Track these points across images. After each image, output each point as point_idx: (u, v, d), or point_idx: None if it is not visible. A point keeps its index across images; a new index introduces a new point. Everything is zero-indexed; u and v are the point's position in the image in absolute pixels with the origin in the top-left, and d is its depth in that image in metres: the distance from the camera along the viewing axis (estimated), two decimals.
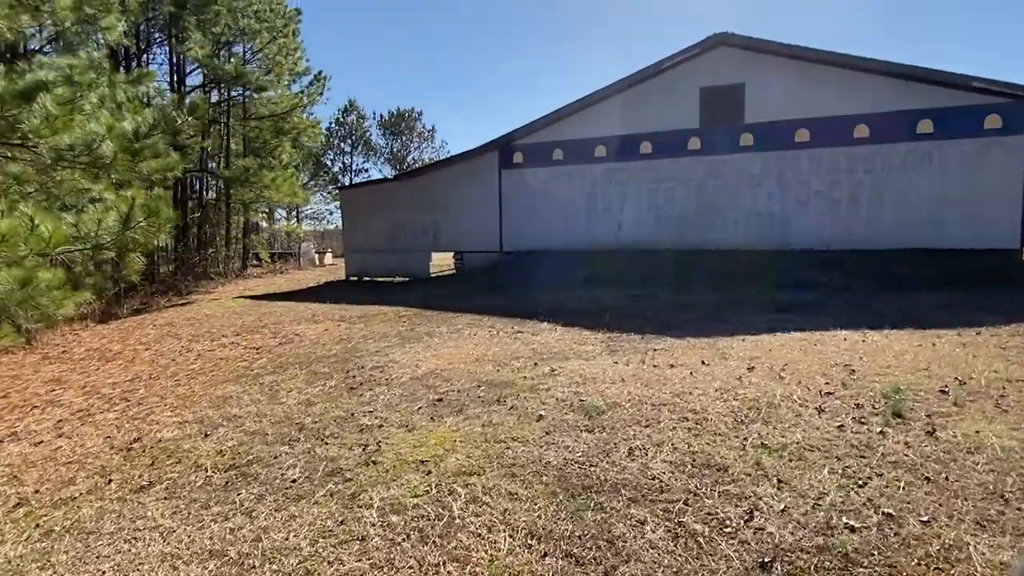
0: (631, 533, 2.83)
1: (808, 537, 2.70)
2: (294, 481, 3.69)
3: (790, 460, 3.47)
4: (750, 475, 3.31)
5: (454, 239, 16.81)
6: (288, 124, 23.69)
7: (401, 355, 6.94)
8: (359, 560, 2.76)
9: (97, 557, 3.02)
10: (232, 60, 19.12)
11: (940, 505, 2.89)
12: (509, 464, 3.64)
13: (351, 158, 44.70)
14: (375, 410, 4.95)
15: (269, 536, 3.04)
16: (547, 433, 4.10)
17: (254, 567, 2.78)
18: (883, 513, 2.85)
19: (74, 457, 4.65)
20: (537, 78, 77.64)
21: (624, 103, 14.64)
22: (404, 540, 2.89)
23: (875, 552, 2.56)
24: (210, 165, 23.63)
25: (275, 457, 4.13)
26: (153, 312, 13.81)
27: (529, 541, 2.81)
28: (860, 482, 3.16)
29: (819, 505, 2.96)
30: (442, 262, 19.85)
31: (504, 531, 2.91)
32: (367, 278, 17.74)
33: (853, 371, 5.14)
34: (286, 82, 23.24)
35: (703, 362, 5.73)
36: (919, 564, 2.48)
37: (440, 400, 5.06)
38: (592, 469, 3.51)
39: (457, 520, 3.03)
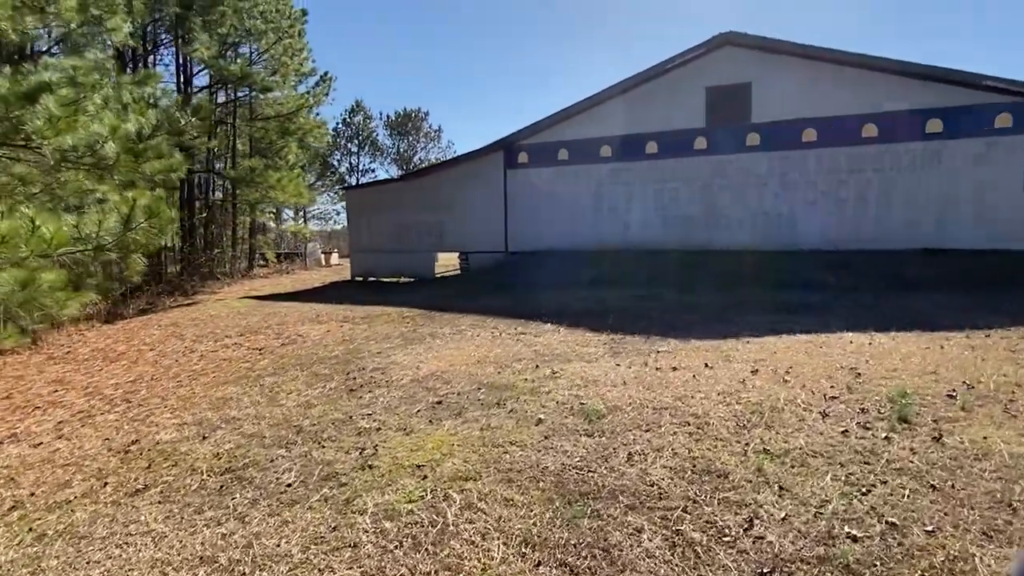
0: (627, 541, 2.77)
1: (809, 547, 2.64)
2: (289, 485, 3.65)
3: (792, 466, 3.40)
4: (751, 482, 3.24)
5: (459, 239, 16.78)
6: (294, 124, 23.74)
7: (403, 356, 6.90)
8: (350, 568, 2.72)
9: (87, 563, 2.99)
10: (238, 61, 19.16)
11: (945, 514, 2.82)
12: (506, 469, 3.59)
13: (358, 158, 44.84)
14: (374, 413, 4.91)
15: (261, 542, 3.00)
16: (546, 437, 4.05)
17: (244, 574, 2.74)
18: (886, 522, 2.77)
19: (72, 459, 4.64)
20: (537, 78, 77.91)
21: (630, 103, 14.56)
22: (396, 547, 2.84)
23: (877, 563, 2.49)
24: (217, 166, 23.71)
25: (271, 461, 4.10)
26: (159, 312, 13.85)
27: (523, 549, 2.75)
28: (864, 490, 3.08)
29: (821, 513, 2.89)
30: (448, 262, 19.82)
31: (498, 539, 2.85)
32: (372, 278, 17.73)
33: (859, 374, 5.06)
34: (292, 83, 23.28)
35: (706, 365, 5.66)
36: None
37: (439, 403, 5.02)
38: (590, 475, 3.45)
39: (451, 527, 2.98)
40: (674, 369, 5.57)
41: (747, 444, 3.73)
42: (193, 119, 8.80)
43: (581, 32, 75.12)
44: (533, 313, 9.22)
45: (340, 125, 43.35)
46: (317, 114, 25.96)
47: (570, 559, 2.66)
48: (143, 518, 3.41)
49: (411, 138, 46.43)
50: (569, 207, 15.28)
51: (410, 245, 17.26)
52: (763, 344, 6.47)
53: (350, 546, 2.88)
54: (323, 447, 4.25)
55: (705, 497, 3.12)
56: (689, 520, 2.92)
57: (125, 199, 6.36)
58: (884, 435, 3.74)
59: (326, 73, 24.92)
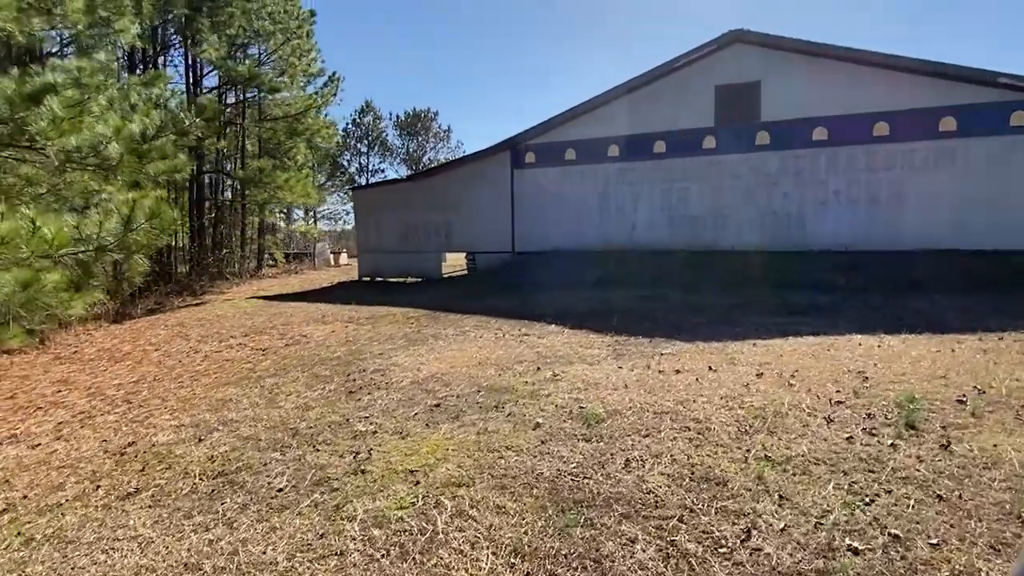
0: (620, 552, 2.69)
1: (808, 560, 2.54)
2: (280, 490, 3.60)
3: (794, 474, 3.30)
4: (750, 490, 3.15)
5: (466, 239, 16.73)
6: (302, 125, 23.78)
7: (404, 358, 6.85)
8: None
9: (72, 568, 2.95)
10: (246, 62, 19.22)
11: (952, 526, 2.71)
12: (500, 475, 3.52)
13: (367, 159, 45.00)
14: (371, 416, 4.85)
15: (247, 549, 2.95)
16: (543, 442, 3.97)
17: None
18: (890, 534, 2.67)
19: (67, 461, 4.61)
20: (538, 78, 77.96)
21: (637, 102, 14.44)
22: (383, 556, 2.78)
23: None
24: (227, 166, 23.82)
25: (265, 464, 4.05)
26: (167, 312, 13.90)
27: (512, 560, 2.68)
28: (867, 499, 2.98)
29: (821, 524, 2.79)
30: (455, 262, 19.79)
31: (487, 548, 2.78)
32: (380, 279, 17.72)
33: (866, 378, 4.94)
34: (301, 83, 23.34)
35: (710, 368, 5.55)
36: None
37: (438, 406, 4.95)
38: (585, 481, 3.37)
39: (440, 535, 2.91)
40: (677, 372, 5.47)
41: (748, 450, 3.63)
42: (198, 119, 8.78)
43: (581, 32, 75.09)
44: (538, 314, 9.14)
45: (350, 125, 43.58)
46: (326, 114, 26.01)
47: (560, 570, 2.59)
48: (132, 522, 3.37)
49: (420, 138, 46.53)
50: (576, 207, 15.18)
51: (417, 245, 17.24)
52: (769, 346, 6.36)
53: (336, 554, 2.82)
54: (318, 451, 4.19)
55: (702, 506, 3.03)
56: (685, 530, 2.83)
57: (125, 200, 6.36)
58: (890, 442, 3.63)
59: (334, 73, 24.95)
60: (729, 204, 13.65)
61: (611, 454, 3.71)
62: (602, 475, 3.44)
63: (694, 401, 4.58)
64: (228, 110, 22.00)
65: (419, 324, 9.12)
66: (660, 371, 5.54)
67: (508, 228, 15.96)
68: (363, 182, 41.27)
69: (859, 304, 8.91)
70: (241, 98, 22.51)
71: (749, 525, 2.83)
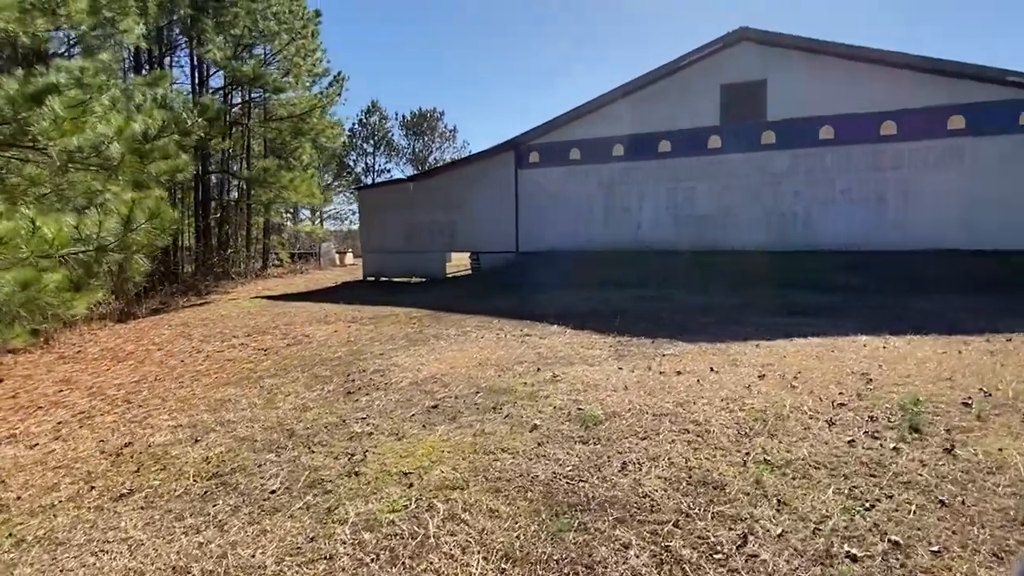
0: (613, 558, 2.64)
1: (805, 567, 2.48)
2: (273, 492, 3.56)
3: (793, 478, 3.24)
4: (748, 494, 3.09)
5: (470, 239, 16.69)
6: (307, 125, 23.81)
7: (405, 358, 6.81)
8: None
9: (60, 571, 2.92)
10: (251, 62, 19.24)
11: (954, 533, 2.64)
12: (495, 478, 3.47)
13: (374, 158, 45.05)
14: (368, 417, 4.82)
15: (236, 552, 2.91)
16: (539, 444, 3.92)
17: None
18: (890, 541, 2.61)
19: (64, 461, 4.60)
20: (542, 78, 77.91)
21: (642, 101, 14.36)
22: (373, 561, 2.74)
23: None
24: (232, 167, 23.88)
25: (259, 466, 4.02)
26: (171, 312, 13.94)
27: (503, 565, 2.63)
28: (867, 504, 2.92)
29: (820, 530, 2.73)
30: (459, 262, 19.76)
31: (479, 553, 2.73)
32: (384, 279, 17.71)
33: (870, 380, 4.86)
34: (306, 83, 23.36)
35: (712, 369, 5.48)
36: None
37: (435, 407, 4.91)
38: (581, 485, 3.32)
39: (431, 539, 2.87)
40: (678, 373, 5.41)
41: (747, 454, 3.57)
42: (200, 119, 8.76)
43: (585, 32, 75.03)
44: (540, 314, 9.09)
45: (356, 125, 43.64)
46: (332, 114, 26.04)
47: None
48: (123, 524, 3.35)
49: (426, 138, 46.53)
50: (580, 207, 15.12)
51: (421, 245, 17.22)
52: (773, 348, 6.28)
53: (325, 558, 2.78)
54: (313, 452, 4.16)
55: (699, 511, 2.97)
56: (680, 535, 2.77)
57: (124, 200, 6.35)
58: (893, 445, 3.56)
59: (339, 73, 24.98)
60: (735, 203, 13.56)
61: (608, 457, 3.66)
62: (598, 478, 3.38)
63: (694, 403, 4.52)
64: (234, 110, 22.05)
65: (421, 324, 9.09)
66: (661, 372, 5.48)
67: (512, 228, 15.91)
68: (369, 182, 41.31)
69: (865, 304, 8.81)
70: (247, 98, 22.56)
71: (746, 530, 2.77)
